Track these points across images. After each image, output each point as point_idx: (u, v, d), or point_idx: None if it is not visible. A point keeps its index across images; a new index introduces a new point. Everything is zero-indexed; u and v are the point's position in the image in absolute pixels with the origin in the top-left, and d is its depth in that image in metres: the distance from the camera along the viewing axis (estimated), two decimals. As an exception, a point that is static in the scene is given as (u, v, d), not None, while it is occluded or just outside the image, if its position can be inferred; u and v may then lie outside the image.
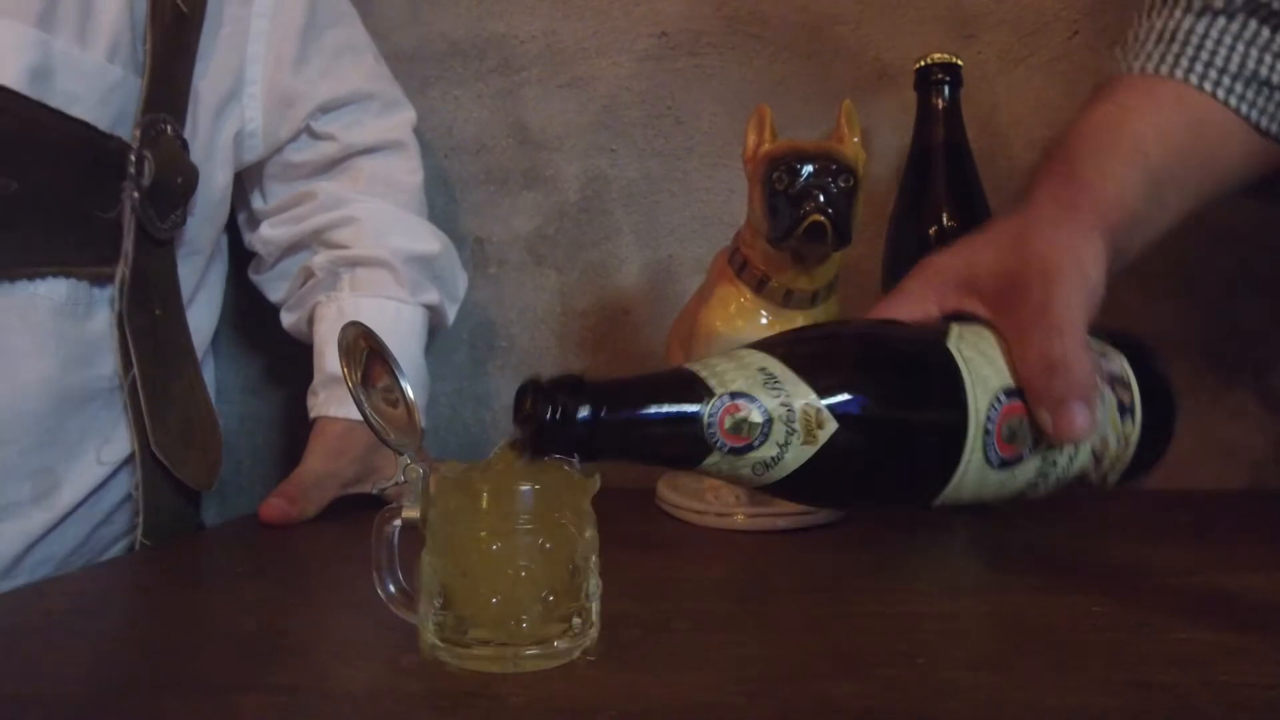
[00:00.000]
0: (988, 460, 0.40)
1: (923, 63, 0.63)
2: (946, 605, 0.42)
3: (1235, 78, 0.48)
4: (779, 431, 0.36)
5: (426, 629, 0.33)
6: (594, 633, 0.34)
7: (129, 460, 0.57)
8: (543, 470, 0.34)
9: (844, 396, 0.37)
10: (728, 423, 0.36)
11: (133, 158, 0.55)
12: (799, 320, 0.54)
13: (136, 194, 0.55)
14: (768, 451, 0.36)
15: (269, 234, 0.67)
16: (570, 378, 0.35)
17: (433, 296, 0.67)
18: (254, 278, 0.71)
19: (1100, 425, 0.41)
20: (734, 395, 0.36)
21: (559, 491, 0.34)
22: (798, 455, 0.37)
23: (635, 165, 0.76)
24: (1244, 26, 0.49)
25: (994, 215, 0.62)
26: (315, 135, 0.66)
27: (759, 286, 0.54)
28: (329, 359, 0.63)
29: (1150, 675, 0.31)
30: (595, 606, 0.34)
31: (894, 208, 0.66)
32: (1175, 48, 0.49)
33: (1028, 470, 0.41)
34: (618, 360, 0.75)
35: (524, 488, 0.33)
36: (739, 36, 0.75)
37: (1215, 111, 0.48)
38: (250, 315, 0.77)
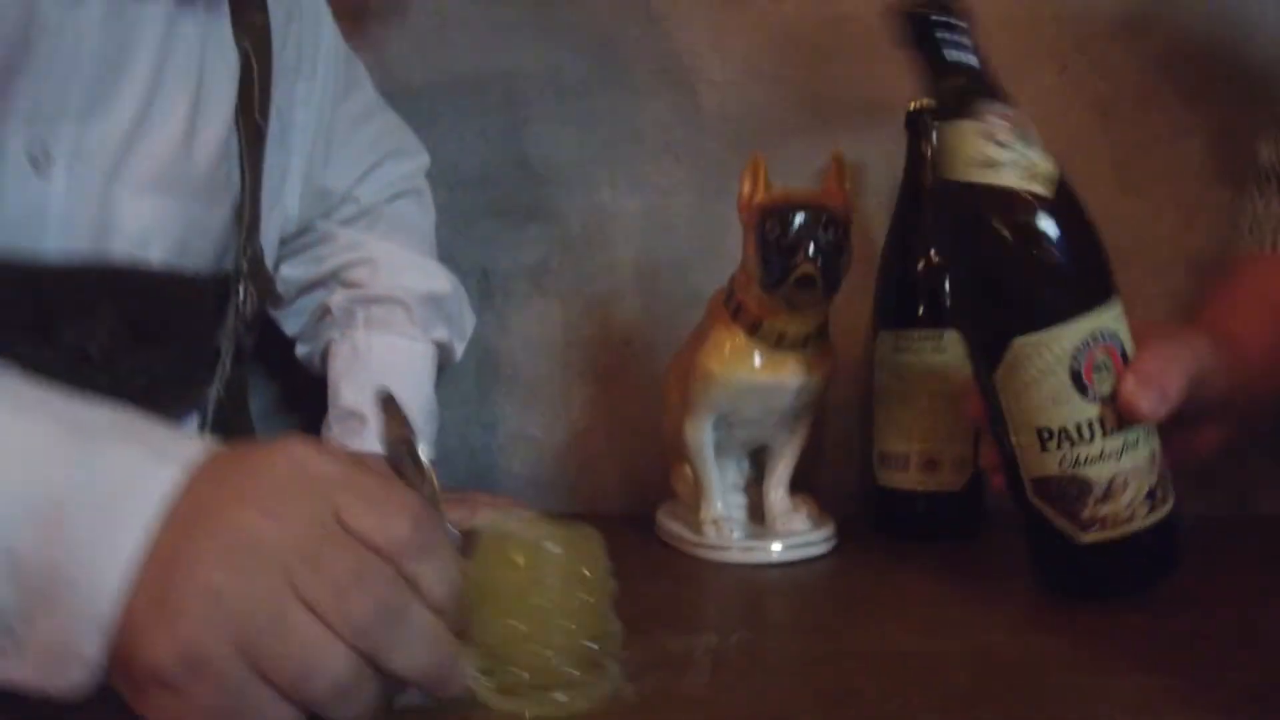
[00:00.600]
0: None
1: (913, 106, 0.66)
2: (931, 644, 0.44)
3: None
4: None
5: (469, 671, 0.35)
6: (615, 669, 0.37)
7: None
8: (562, 528, 0.37)
9: None
10: None
11: (240, 291, 0.57)
12: (790, 362, 0.56)
13: (240, 323, 0.57)
14: None
15: (288, 273, 0.69)
16: None
17: (442, 334, 0.70)
18: (271, 311, 0.74)
19: (1140, 451, 0.46)
20: None
21: (583, 546, 0.36)
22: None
23: (635, 199, 0.78)
24: None
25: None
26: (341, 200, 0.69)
27: (752, 330, 0.56)
28: (344, 394, 0.65)
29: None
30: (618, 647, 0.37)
31: (885, 243, 0.68)
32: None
33: (1089, 411, 0.45)
34: (618, 389, 0.77)
35: (555, 549, 0.36)
36: (735, 73, 0.77)
37: None
38: (265, 343, 0.79)
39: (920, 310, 0.64)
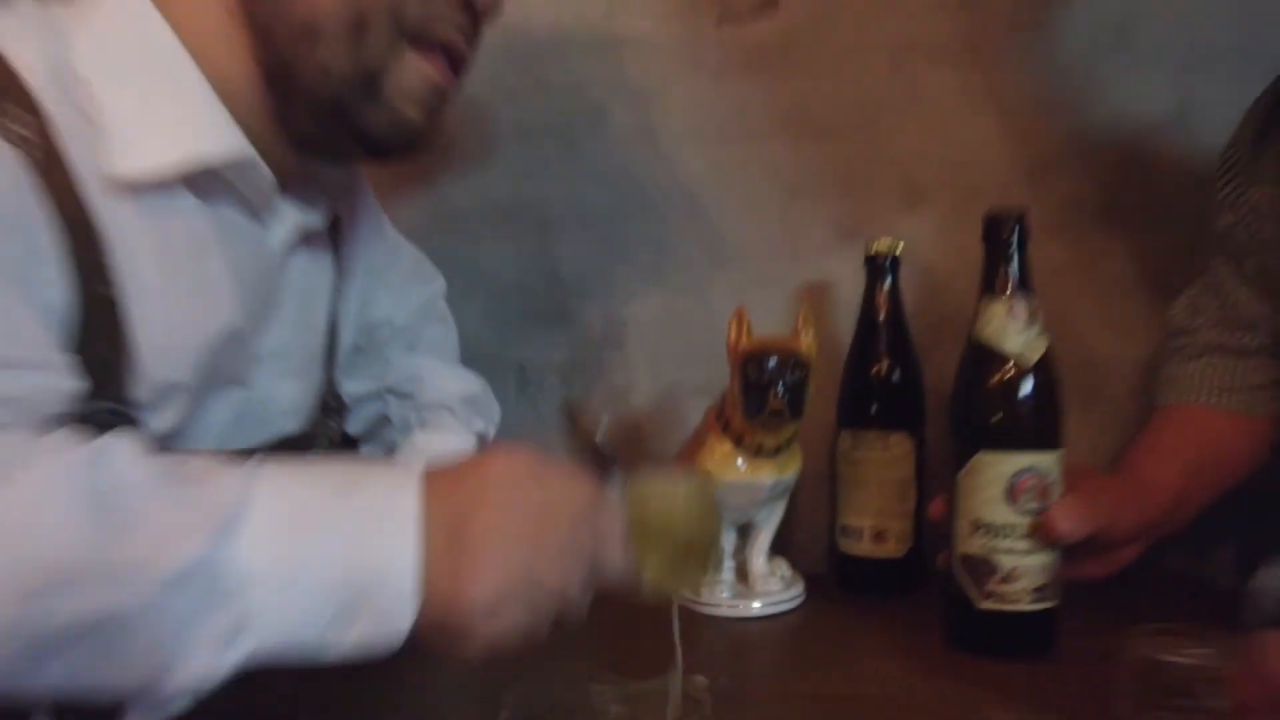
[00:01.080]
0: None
1: (871, 251, 0.82)
2: (862, 688, 0.61)
3: (1223, 391, 0.77)
4: None
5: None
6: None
7: None
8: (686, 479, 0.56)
9: None
10: None
11: (327, 423, 0.72)
12: (767, 465, 0.73)
13: (329, 442, 0.73)
14: None
15: (348, 387, 0.81)
16: None
17: (480, 425, 0.85)
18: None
19: (1040, 557, 0.65)
20: None
21: (703, 489, 0.55)
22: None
23: (644, 306, 0.95)
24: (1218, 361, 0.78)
25: (922, 356, 0.82)
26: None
27: (738, 441, 0.73)
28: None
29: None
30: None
31: (847, 358, 0.84)
32: (1182, 384, 0.79)
33: (1011, 518, 0.64)
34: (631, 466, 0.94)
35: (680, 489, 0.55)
36: (730, 203, 0.94)
37: (1219, 417, 0.77)
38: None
39: (873, 414, 0.81)
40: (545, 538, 0.45)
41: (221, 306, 0.56)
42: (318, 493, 0.43)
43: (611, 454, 0.58)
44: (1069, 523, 0.64)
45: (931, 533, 0.75)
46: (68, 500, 0.38)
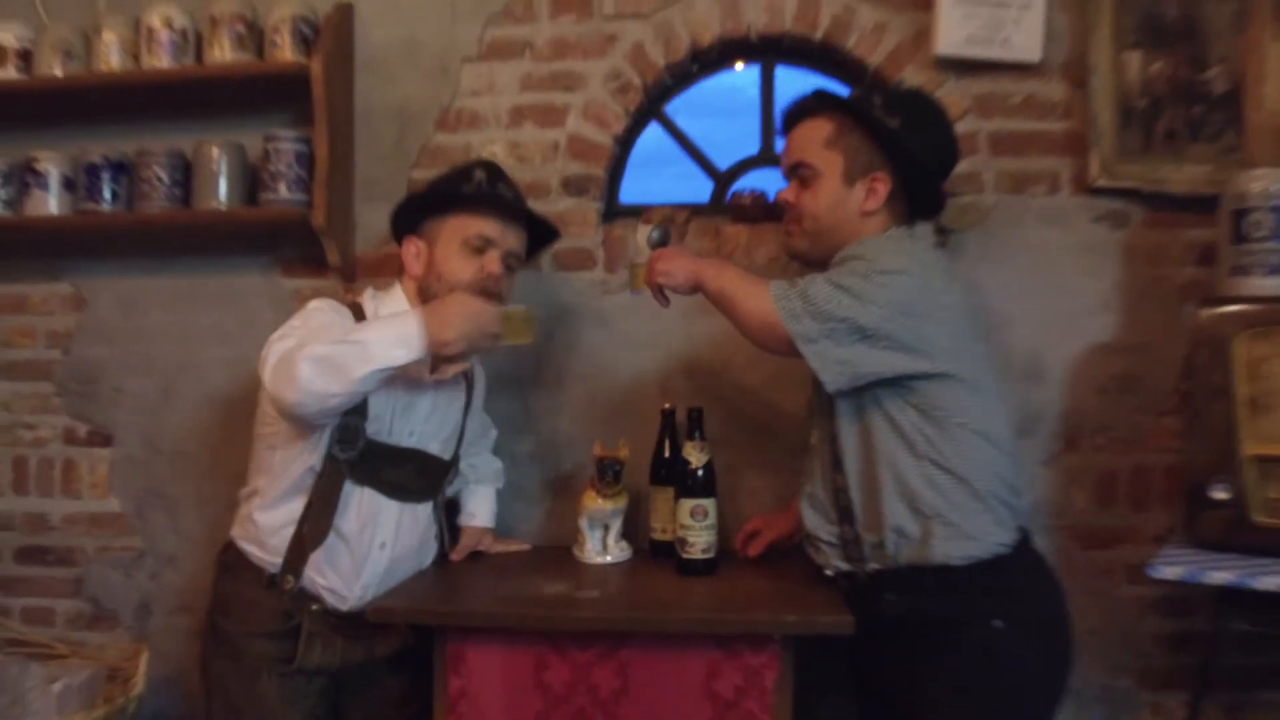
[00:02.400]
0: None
1: (666, 406, 1.91)
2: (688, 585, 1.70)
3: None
4: None
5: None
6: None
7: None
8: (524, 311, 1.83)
9: None
10: None
11: (455, 465, 1.84)
12: (609, 503, 1.82)
13: (455, 473, 1.85)
14: None
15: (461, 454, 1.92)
16: None
17: (500, 482, 1.98)
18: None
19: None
20: None
21: (529, 315, 1.76)
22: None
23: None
24: None
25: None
26: None
27: (596, 492, 1.82)
28: (468, 504, 1.93)
29: None
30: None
31: (653, 455, 1.92)
32: None
33: (694, 528, 1.73)
34: (567, 499, 2.05)
35: (522, 310, 1.73)
36: (588, 368, 2.03)
37: None
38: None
39: (662, 477, 1.89)
40: (467, 319, 1.52)
41: (403, 403, 1.68)
42: (389, 320, 1.57)
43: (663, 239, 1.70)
44: (753, 550, 1.75)
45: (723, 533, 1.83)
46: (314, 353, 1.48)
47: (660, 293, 1.61)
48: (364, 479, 1.63)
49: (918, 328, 1.44)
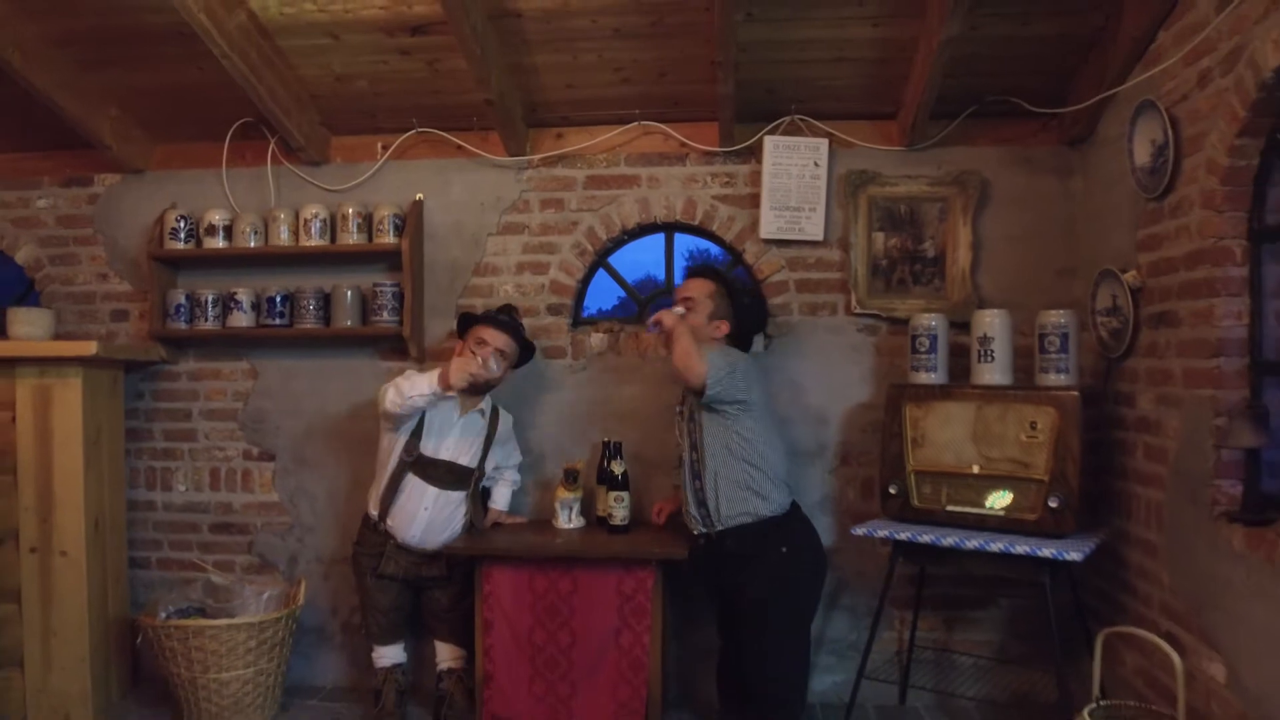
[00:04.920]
0: None
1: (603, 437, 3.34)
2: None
3: None
4: None
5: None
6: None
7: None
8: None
9: None
10: None
11: (478, 470, 3.26)
12: (570, 494, 3.24)
13: (481, 474, 3.28)
14: None
15: (486, 466, 3.30)
16: None
17: (518, 481, 3.41)
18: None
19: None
20: None
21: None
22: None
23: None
24: None
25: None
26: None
27: (564, 488, 3.24)
28: (496, 498, 3.38)
29: None
30: None
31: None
32: None
33: (619, 514, 3.18)
34: (551, 488, 3.47)
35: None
36: (551, 422, 3.46)
37: None
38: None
39: (609, 479, 3.30)
40: (458, 369, 2.94)
41: (441, 433, 3.17)
42: (428, 373, 3.04)
43: None
44: (660, 520, 3.21)
45: (636, 510, 3.22)
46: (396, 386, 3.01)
47: (658, 325, 2.95)
48: (417, 473, 3.10)
49: (746, 384, 2.86)
